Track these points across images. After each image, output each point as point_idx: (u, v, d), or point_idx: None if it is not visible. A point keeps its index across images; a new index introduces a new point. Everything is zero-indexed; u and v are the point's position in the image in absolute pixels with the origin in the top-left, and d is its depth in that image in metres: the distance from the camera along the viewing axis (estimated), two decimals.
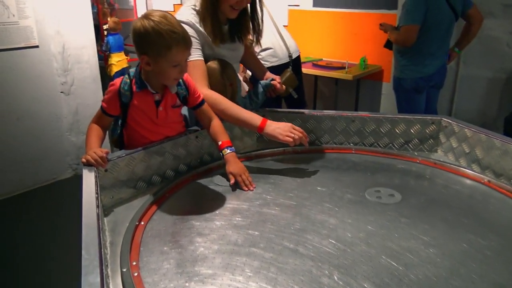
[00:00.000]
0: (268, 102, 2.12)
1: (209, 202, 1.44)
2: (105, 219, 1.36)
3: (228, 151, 1.55)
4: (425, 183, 1.61)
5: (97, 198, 1.17)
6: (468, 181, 1.60)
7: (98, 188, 1.25)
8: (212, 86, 1.76)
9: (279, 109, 2.03)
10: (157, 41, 1.35)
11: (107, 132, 1.61)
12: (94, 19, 3.96)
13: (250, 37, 2.04)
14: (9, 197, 3.31)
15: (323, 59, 4.61)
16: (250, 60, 2.20)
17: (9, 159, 3.32)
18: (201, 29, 1.78)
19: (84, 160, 1.36)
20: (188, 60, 1.51)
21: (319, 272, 1.07)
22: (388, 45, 3.29)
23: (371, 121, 1.89)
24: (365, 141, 1.92)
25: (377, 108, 4.46)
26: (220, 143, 1.57)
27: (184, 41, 1.39)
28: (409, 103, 3.19)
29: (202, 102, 1.63)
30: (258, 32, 1.96)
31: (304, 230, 1.26)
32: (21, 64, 3.26)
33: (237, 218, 1.33)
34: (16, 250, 2.70)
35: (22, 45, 3.23)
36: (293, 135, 1.57)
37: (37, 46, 3.32)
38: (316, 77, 4.42)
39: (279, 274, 1.06)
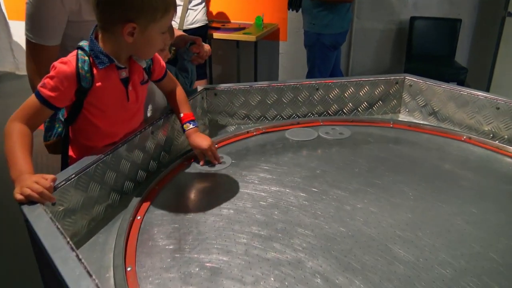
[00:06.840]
0: None
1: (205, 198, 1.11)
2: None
3: (191, 126, 1.33)
4: (409, 150, 1.51)
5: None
6: (448, 140, 1.54)
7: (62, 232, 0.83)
8: None
9: (225, 85, 1.69)
10: (152, 3, 1.01)
11: None
12: None
13: None
14: None
15: (214, 20, 4.26)
16: None
17: None
18: None
19: (20, 196, 0.89)
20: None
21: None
22: (294, 4, 3.13)
23: (335, 87, 1.70)
24: (330, 109, 1.74)
25: (276, 68, 4.35)
26: (182, 115, 1.35)
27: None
28: (325, 61, 3.10)
29: (167, 70, 1.32)
30: None
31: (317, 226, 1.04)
32: None
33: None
34: None
35: None
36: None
37: None
38: (210, 41, 4.08)
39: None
